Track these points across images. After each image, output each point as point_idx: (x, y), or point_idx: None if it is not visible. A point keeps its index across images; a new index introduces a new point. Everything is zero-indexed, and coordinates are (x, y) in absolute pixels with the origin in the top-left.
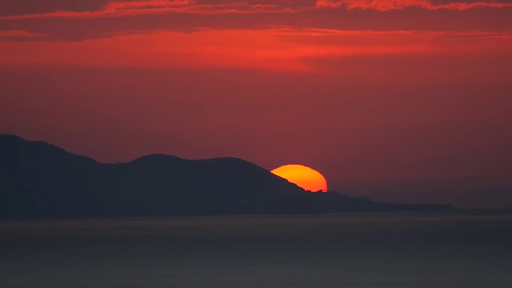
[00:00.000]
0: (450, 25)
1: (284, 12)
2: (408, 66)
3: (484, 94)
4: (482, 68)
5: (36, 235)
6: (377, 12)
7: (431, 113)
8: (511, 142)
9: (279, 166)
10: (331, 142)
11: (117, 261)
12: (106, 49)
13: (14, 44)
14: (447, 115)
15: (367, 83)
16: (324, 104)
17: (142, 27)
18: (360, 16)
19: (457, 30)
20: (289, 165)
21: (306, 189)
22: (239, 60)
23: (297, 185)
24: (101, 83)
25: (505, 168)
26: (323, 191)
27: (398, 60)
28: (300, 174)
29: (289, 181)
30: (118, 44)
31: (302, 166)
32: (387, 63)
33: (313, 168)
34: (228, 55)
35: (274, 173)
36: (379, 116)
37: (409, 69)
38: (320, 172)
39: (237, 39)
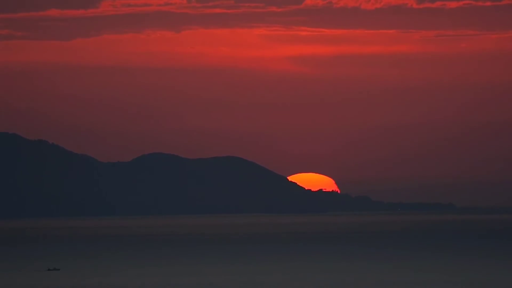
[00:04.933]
0: (439, 24)
1: (270, 11)
2: (396, 65)
3: (480, 94)
4: (473, 67)
5: (65, 233)
6: (363, 10)
7: (422, 112)
8: (508, 142)
9: (278, 164)
10: (328, 141)
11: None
12: (95, 48)
13: (2, 43)
14: (440, 114)
15: (357, 82)
16: (323, 104)
17: (131, 26)
18: (347, 15)
19: (446, 30)
20: (298, 171)
21: (306, 188)
22: (227, 59)
23: (297, 183)
24: (97, 83)
25: (504, 167)
26: (323, 190)
27: (385, 59)
28: (304, 176)
29: (289, 179)
30: (107, 43)
31: (312, 173)
32: (375, 62)
33: (314, 170)
34: (217, 54)
35: (273, 170)
36: (370, 116)
37: (397, 68)
38: (322, 173)
39: (225, 38)
